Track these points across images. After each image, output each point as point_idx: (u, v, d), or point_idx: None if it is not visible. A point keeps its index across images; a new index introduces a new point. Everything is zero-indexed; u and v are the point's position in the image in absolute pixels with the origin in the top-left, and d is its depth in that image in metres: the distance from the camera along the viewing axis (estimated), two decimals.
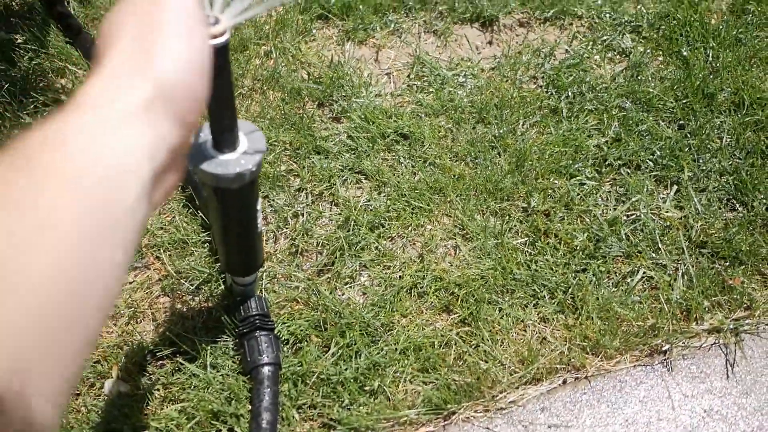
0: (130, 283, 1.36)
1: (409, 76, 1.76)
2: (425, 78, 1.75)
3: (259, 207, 1.10)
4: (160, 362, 1.27)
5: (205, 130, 1.03)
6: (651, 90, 1.69)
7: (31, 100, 1.62)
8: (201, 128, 1.05)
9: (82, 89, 0.52)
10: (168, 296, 1.35)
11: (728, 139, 1.62)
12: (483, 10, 1.90)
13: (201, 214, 1.43)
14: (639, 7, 1.93)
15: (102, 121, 0.49)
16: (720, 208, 1.52)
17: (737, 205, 1.53)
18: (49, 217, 0.40)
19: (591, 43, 1.84)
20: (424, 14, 1.92)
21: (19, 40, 1.76)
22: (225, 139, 1.00)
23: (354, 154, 1.57)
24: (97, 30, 1.83)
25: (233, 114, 0.98)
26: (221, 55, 0.92)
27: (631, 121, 1.63)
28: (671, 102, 1.67)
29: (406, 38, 1.86)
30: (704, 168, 1.56)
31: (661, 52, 1.81)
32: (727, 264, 1.44)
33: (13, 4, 1.90)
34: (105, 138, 0.47)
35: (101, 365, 1.24)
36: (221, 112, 0.98)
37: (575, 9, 1.91)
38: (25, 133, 0.46)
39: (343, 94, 1.68)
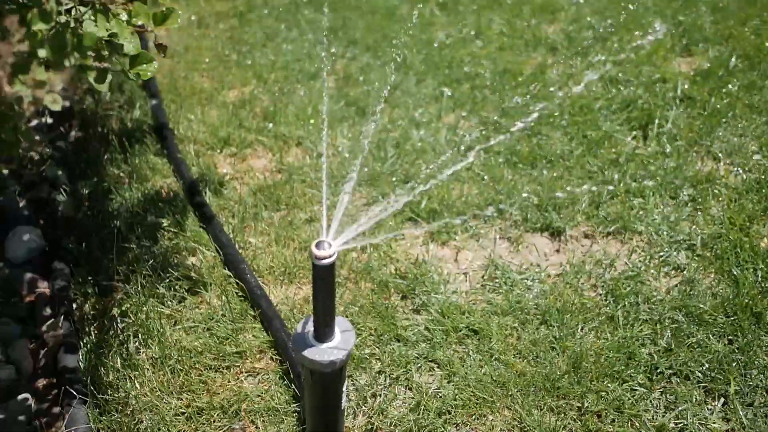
0: None
1: (483, 276, 2.01)
2: (497, 279, 1.99)
3: (344, 388, 1.34)
4: None
5: (309, 322, 1.32)
6: (702, 305, 1.86)
7: (167, 274, 1.95)
8: (306, 319, 1.33)
9: None
10: None
11: None
12: (552, 222, 2.16)
13: (294, 386, 1.67)
14: (693, 227, 2.14)
15: None
16: (765, 424, 1.62)
17: None
18: None
19: (649, 257, 2.05)
20: (500, 222, 2.20)
21: (164, 224, 2.14)
22: (324, 333, 1.28)
23: (429, 344, 1.79)
24: (227, 218, 2.20)
25: (333, 315, 1.26)
26: (329, 272, 1.21)
27: (682, 333, 1.80)
28: (721, 318, 1.83)
29: (483, 242, 2.14)
30: (751, 384, 1.68)
31: (713, 270, 2.00)
32: None
33: (162, 192, 2.32)
34: None
35: None
36: (324, 313, 1.25)
37: (636, 225, 2.15)
38: None
39: (425, 289, 1.94)
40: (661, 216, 2.19)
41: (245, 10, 3.76)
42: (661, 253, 2.06)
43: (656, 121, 2.64)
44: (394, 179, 2.37)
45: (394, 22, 3.57)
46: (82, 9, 1.25)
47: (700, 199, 2.26)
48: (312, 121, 2.71)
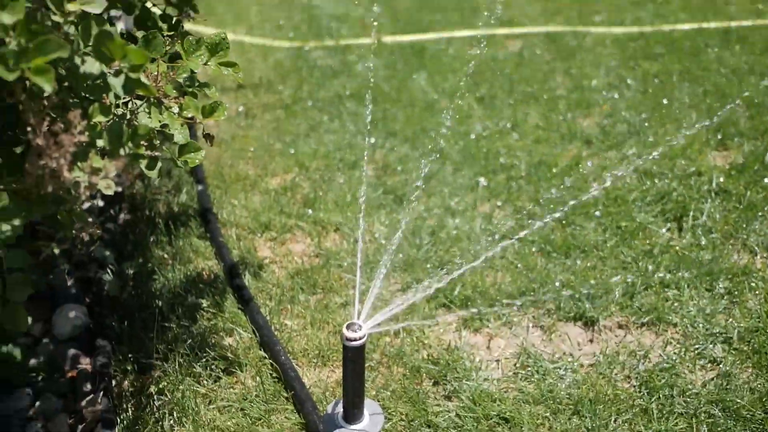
0: None
1: (515, 364, 2.02)
2: (529, 368, 1.99)
3: None
4: None
5: (339, 404, 1.34)
6: (740, 400, 1.83)
7: (204, 354, 2.00)
8: (336, 401, 1.36)
9: None
10: None
11: None
12: (586, 311, 2.17)
13: None
14: (730, 320, 2.12)
15: None
16: None
17: None
18: None
19: (684, 349, 2.03)
20: (533, 310, 2.21)
21: (204, 304, 2.21)
22: (353, 414, 1.30)
23: (460, 431, 1.79)
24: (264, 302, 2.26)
25: (362, 397, 1.29)
26: (359, 353, 1.25)
27: (719, 429, 1.76)
28: (759, 413, 1.80)
29: (516, 330, 2.15)
30: None
31: (750, 364, 1.97)
32: None
33: (204, 273, 2.40)
34: None
35: None
36: (353, 394, 1.28)
37: (670, 317, 2.14)
38: None
39: (456, 375, 1.95)
40: (696, 308, 2.18)
41: (291, 103, 3.94)
42: (697, 346, 2.04)
43: (691, 214, 2.66)
44: (428, 266, 2.42)
45: (432, 115, 3.70)
46: (138, 102, 1.36)
47: (736, 292, 2.25)
48: (350, 208, 2.80)
